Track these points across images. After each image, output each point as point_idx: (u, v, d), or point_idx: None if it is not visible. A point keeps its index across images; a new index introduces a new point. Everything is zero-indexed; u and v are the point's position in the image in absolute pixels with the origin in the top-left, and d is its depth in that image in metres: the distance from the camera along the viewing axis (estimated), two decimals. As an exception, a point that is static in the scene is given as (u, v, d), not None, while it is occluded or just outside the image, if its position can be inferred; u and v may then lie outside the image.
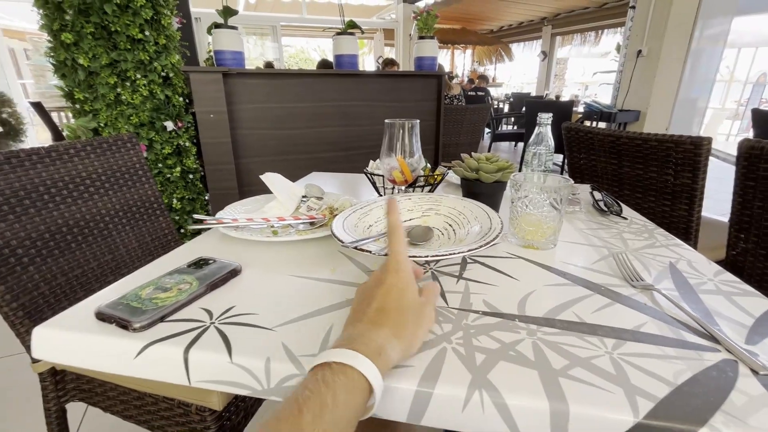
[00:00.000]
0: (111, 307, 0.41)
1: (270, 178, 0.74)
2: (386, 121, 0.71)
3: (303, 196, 0.77)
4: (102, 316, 0.40)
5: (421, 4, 7.38)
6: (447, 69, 10.43)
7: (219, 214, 0.69)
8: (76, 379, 0.80)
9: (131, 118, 1.71)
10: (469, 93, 5.81)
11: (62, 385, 0.81)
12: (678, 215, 1.10)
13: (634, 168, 1.15)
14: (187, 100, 1.95)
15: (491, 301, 0.45)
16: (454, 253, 0.46)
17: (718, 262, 1.14)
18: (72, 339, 0.39)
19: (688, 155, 0.99)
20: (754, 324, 0.41)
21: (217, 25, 1.94)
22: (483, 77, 7.75)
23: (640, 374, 0.33)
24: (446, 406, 0.32)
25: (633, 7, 3.34)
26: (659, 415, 0.29)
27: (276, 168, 2.23)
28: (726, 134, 7.13)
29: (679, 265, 0.54)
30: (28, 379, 1.36)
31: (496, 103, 7.54)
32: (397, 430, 0.56)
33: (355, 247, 0.47)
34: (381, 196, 0.86)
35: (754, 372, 0.33)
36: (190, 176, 1.97)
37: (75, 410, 1.04)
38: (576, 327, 0.40)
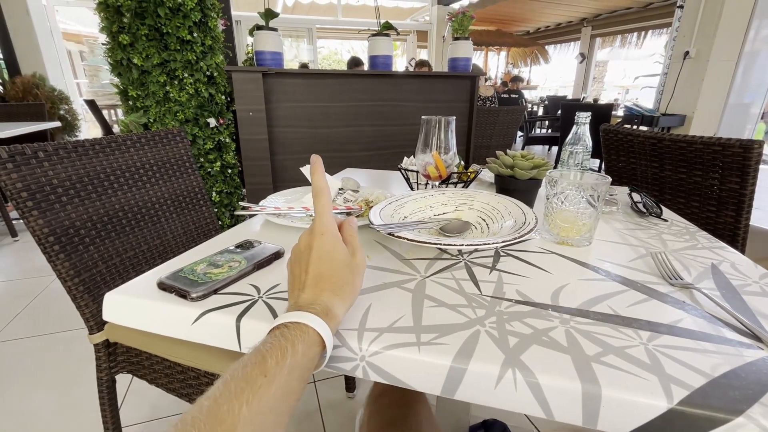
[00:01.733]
0: (171, 278, 0.45)
1: (309, 169, 0.78)
2: (423, 117, 0.73)
3: (340, 189, 0.80)
4: (163, 286, 0.44)
5: (456, 6, 7.34)
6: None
7: (262, 203, 0.73)
8: (126, 351, 0.87)
9: (178, 114, 1.82)
10: (502, 95, 5.72)
11: (114, 357, 0.88)
12: (724, 222, 1.05)
13: (676, 172, 1.11)
14: (228, 98, 2.04)
15: (524, 291, 0.46)
16: (488, 244, 0.48)
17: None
18: (137, 305, 0.43)
19: (737, 159, 0.94)
20: (801, 326, 0.39)
21: (258, 27, 2.03)
22: (517, 79, 7.59)
23: (675, 365, 0.33)
24: (479, 382, 0.33)
25: (681, 7, 3.19)
26: (694, 403, 0.29)
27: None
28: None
29: (722, 267, 0.53)
30: (83, 353, 1.47)
31: (529, 106, 7.37)
32: (420, 414, 0.58)
33: (390, 233, 0.50)
34: (414, 191, 0.88)
35: (799, 370, 0.33)
36: (229, 171, 2.07)
37: (122, 382, 1.13)
38: (610, 319, 0.40)
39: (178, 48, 1.74)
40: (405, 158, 0.95)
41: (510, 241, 0.49)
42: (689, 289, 0.46)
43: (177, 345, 0.75)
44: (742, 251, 1.04)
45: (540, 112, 7.36)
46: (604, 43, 8.13)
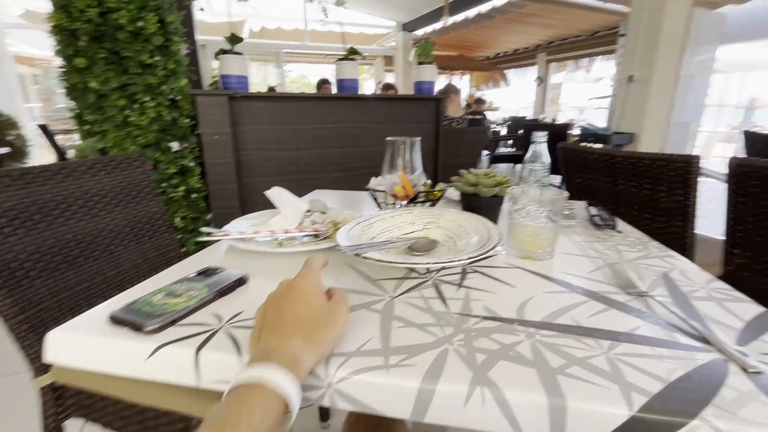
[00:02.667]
0: (124, 311, 0.42)
1: (275, 193, 0.77)
2: (387, 138, 0.74)
3: (307, 211, 0.79)
4: (116, 320, 0.41)
5: (420, 32, 7.65)
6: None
7: (226, 227, 0.71)
8: (77, 394, 0.80)
9: (138, 138, 1.76)
10: (467, 117, 5.94)
11: (62, 401, 0.81)
12: (673, 232, 1.12)
13: (628, 186, 1.18)
14: (192, 122, 2.00)
15: (491, 306, 0.46)
16: (455, 261, 0.48)
17: (715, 278, 1.15)
18: (86, 342, 0.40)
19: (680, 173, 1.02)
20: (744, 327, 0.42)
21: (223, 51, 2.02)
22: (480, 101, 7.93)
23: (634, 372, 0.34)
24: (448, 402, 0.33)
25: (623, 35, 3.47)
26: (653, 409, 0.30)
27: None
28: (721, 156, 7.24)
29: (673, 275, 0.56)
30: (25, 400, 1.34)
31: (493, 126, 7.69)
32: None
33: (357, 254, 0.49)
34: (382, 211, 0.89)
35: (744, 370, 0.35)
36: (194, 195, 2.00)
37: (70, 429, 1.03)
38: (573, 330, 0.41)
39: (139, 72, 1.70)
40: (372, 179, 0.96)
41: (476, 257, 0.50)
42: (644, 298, 0.48)
43: (133, 383, 0.70)
44: (691, 258, 1.11)
45: (503, 132, 7.69)
46: (558, 67, 8.68)
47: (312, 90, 7.81)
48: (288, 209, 0.75)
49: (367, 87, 9.93)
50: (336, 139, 2.37)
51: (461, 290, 0.50)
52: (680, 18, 3.18)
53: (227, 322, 0.43)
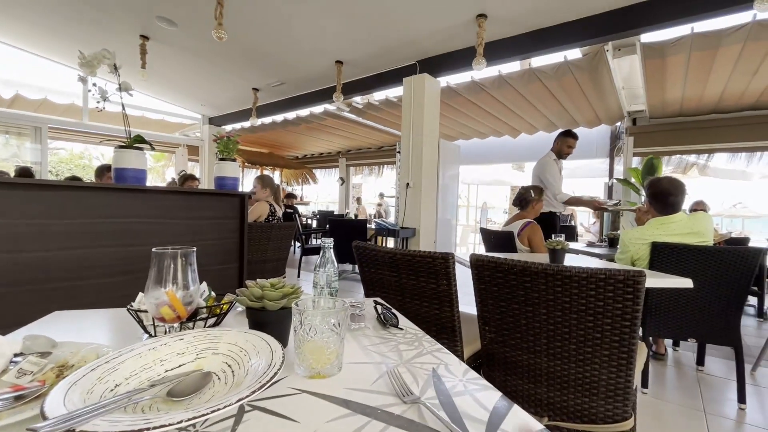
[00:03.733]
0: None
1: (-47, 336, 0.51)
2: (153, 250, 0.63)
3: (16, 355, 0.55)
4: None
5: (228, 127, 7.68)
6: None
7: None
8: None
9: None
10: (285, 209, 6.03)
11: None
12: (446, 316, 1.32)
13: (409, 279, 1.36)
14: None
15: (264, 459, 0.39)
16: (218, 407, 0.40)
17: (477, 352, 1.39)
18: None
19: (441, 267, 1.25)
20: (489, 417, 0.49)
21: None
22: (291, 195, 8.28)
23: None
24: None
25: (399, 152, 4.40)
26: None
27: (12, 303, 1.61)
28: (473, 243, 9.60)
29: (440, 370, 0.62)
30: None
31: (305, 219, 8.04)
32: None
33: (69, 430, 0.35)
34: (152, 336, 0.71)
35: (489, 469, 0.38)
36: None
37: None
38: (351, 467, 0.38)
39: None
40: (140, 294, 0.78)
41: (248, 395, 0.43)
42: (417, 404, 0.51)
43: None
44: (460, 337, 1.33)
45: (314, 225, 8.12)
46: (357, 170, 10.15)
47: (92, 171, 6.47)
48: (-25, 359, 0.50)
49: (169, 175, 8.99)
50: (111, 236, 1.93)
51: (231, 443, 0.41)
52: (433, 144, 4.29)
53: None
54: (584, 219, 8.71)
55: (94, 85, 1.94)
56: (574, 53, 3.71)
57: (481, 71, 3.56)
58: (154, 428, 0.36)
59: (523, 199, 2.76)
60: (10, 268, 1.65)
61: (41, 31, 4.64)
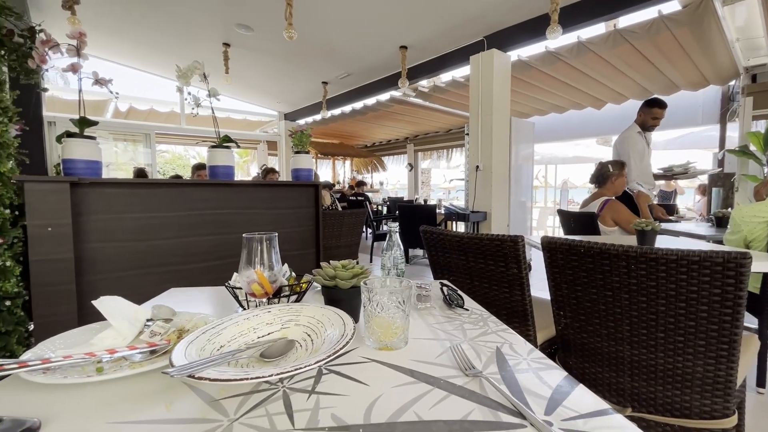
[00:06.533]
0: None
1: (105, 303, 0.66)
2: (244, 235, 0.72)
3: (148, 320, 0.69)
4: None
5: (301, 122, 8.15)
6: (329, 178, 11.27)
7: (24, 355, 0.56)
8: None
9: None
10: (350, 198, 6.29)
11: None
12: (516, 300, 1.30)
13: (477, 262, 1.35)
14: (16, 212, 1.66)
15: (339, 413, 0.45)
16: (300, 368, 0.47)
17: (552, 338, 1.34)
18: None
19: (511, 250, 1.22)
20: (552, 394, 0.49)
21: (69, 134, 1.80)
22: (361, 183, 8.54)
23: (461, 465, 0.36)
24: None
25: (468, 134, 4.28)
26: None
27: (134, 283, 1.95)
28: (552, 226, 9.01)
29: (504, 349, 0.64)
30: None
31: (375, 206, 8.26)
32: None
33: (190, 376, 0.44)
34: (245, 309, 0.83)
35: (548, 440, 0.40)
36: (8, 303, 1.58)
37: None
38: (414, 428, 0.42)
39: (-62, 155, 1.38)
40: (235, 274, 0.91)
41: (325, 359, 0.49)
42: (479, 378, 0.53)
43: None
44: (532, 322, 1.30)
45: (384, 211, 8.30)
46: (424, 156, 10.08)
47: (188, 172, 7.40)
48: (121, 322, 0.64)
49: (252, 169, 9.87)
50: (208, 226, 2.22)
51: (312, 398, 0.48)
52: (504, 123, 4.09)
53: (-16, 504, 0.32)
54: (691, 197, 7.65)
55: (189, 93, 2.20)
56: (671, 6, 3.23)
57: (557, 39, 3.28)
58: (252, 378, 0.44)
59: (600, 174, 2.51)
60: (134, 255, 1.99)
61: (143, 48, 5.35)
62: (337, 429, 0.42)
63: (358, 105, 6.67)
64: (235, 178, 2.33)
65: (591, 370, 1.15)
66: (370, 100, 6.40)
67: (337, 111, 7.07)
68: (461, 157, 8.64)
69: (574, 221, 2.61)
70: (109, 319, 0.65)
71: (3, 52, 1.71)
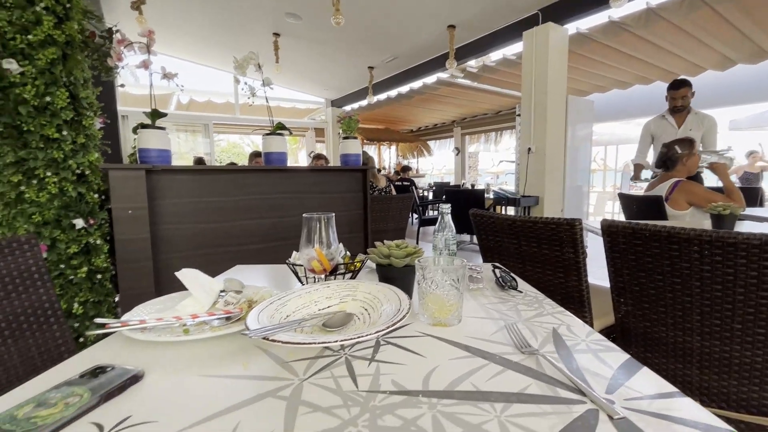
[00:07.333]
0: (-25, 434, 0.36)
1: (186, 275, 0.73)
2: (304, 215, 0.77)
3: (221, 291, 0.76)
4: (-38, 447, 0.35)
5: (348, 108, 8.24)
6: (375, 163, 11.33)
7: (125, 317, 0.65)
8: None
9: (33, 216, 1.58)
10: (396, 183, 6.31)
11: None
12: (572, 286, 1.26)
13: (530, 246, 1.32)
14: (103, 197, 1.87)
15: (399, 380, 0.47)
16: (363, 336, 0.50)
17: (610, 326, 1.29)
18: None
19: (568, 234, 1.18)
20: (613, 374, 0.48)
21: (143, 126, 1.98)
22: (407, 168, 8.52)
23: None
24: (349, 492, 0.32)
25: (519, 115, 4.09)
26: (534, 468, 0.33)
27: (201, 262, 2.13)
28: (611, 212, 8.43)
29: (560, 330, 0.63)
30: None
31: (421, 191, 8.22)
32: None
33: (265, 338, 0.49)
34: (303, 285, 0.88)
35: (610, 417, 0.39)
36: (98, 276, 1.80)
37: None
38: (472, 396, 0.44)
39: (41, 146, 1.58)
40: (294, 252, 0.96)
41: (385, 330, 0.52)
42: (535, 355, 0.54)
43: None
44: (589, 308, 1.25)
45: (430, 196, 8.24)
46: (472, 139, 9.80)
47: (246, 158, 7.80)
48: (199, 291, 0.72)
49: (301, 156, 10.19)
50: (264, 210, 2.35)
51: (372, 365, 0.51)
52: (560, 102, 3.86)
53: (109, 431, 0.38)
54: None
55: (245, 83, 2.32)
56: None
57: (622, 8, 3.01)
58: (319, 343, 0.48)
59: (666, 158, 2.26)
60: (199, 236, 2.16)
61: (199, 43, 5.66)
62: (398, 393, 0.44)
63: (404, 89, 6.61)
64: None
65: (654, 361, 1.09)
66: (416, 84, 6.31)
67: (382, 96, 7.06)
68: (511, 139, 8.30)
69: (637, 206, 2.44)
70: (189, 288, 0.73)
71: (87, 53, 1.89)
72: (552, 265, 1.28)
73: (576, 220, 1.16)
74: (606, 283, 1.19)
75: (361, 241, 2.73)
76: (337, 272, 0.88)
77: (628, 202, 2.55)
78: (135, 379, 0.47)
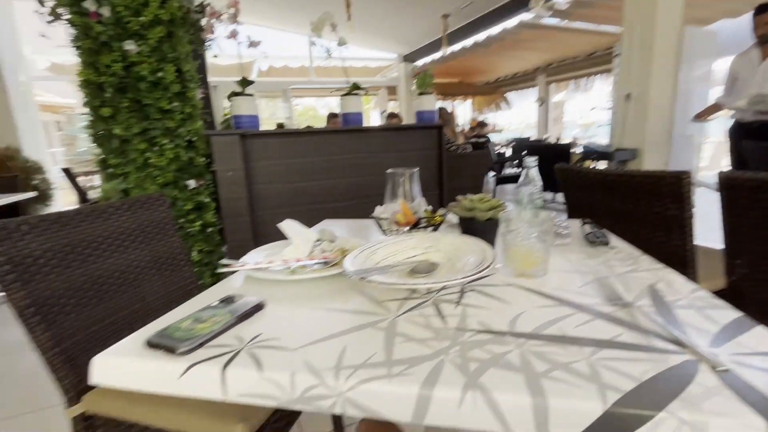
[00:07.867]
0: (158, 336, 0.48)
1: (287, 225, 0.83)
2: (388, 171, 0.81)
3: (317, 240, 0.85)
4: (151, 344, 0.47)
5: (420, 62, 7.94)
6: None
7: (242, 259, 0.77)
8: (105, 423, 0.85)
9: (157, 178, 1.87)
10: (470, 140, 6.07)
11: (92, 430, 0.85)
12: (674, 246, 1.14)
13: (625, 203, 1.21)
14: (208, 160, 2.12)
15: (485, 321, 0.51)
16: (452, 280, 0.53)
17: (719, 291, 1.17)
18: (126, 364, 0.46)
19: (673, 188, 1.06)
20: (719, 331, 0.46)
21: (235, 94, 2.16)
22: (482, 124, 8.09)
23: (611, 374, 0.38)
24: (444, 405, 0.37)
25: (618, 55, 3.58)
26: (624, 404, 0.34)
27: (290, 218, 2.35)
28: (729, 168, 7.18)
29: (658, 286, 0.59)
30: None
31: (498, 147, 7.80)
32: None
33: (362, 278, 0.55)
34: (387, 237, 0.94)
35: (713, 368, 0.38)
36: (209, 230, 2.09)
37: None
38: (559, 339, 0.45)
39: (158, 117, 1.83)
40: (377, 207, 1.02)
41: (471, 276, 0.55)
42: (629, 308, 0.52)
43: (160, 408, 0.74)
44: (694, 271, 1.13)
45: (508, 153, 7.78)
46: (559, 87, 8.86)
47: (321, 121, 8.10)
48: (299, 240, 0.81)
49: (373, 115, 10.23)
50: (343, 170, 2.46)
51: (459, 308, 0.55)
52: (672, 36, 3.28)
53: (248, 343, 0.48)
54: None
55: (321, 45, 2.36)
56: None
57: None
58: (411, 285, 0.52)
59: None
60: (287, 195, 2.36)
61: (274, 8, 5.80)
62: (485, 332, 0.48)
63: (481, 37, 6.13)
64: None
65: (772, 329, 0.97)
66: (495, 29, 5.81)
67: (457, 46, 6.65)
68: (603, 86, 7.33)
69: (764, 155, 2.06)
70: (290, 237, 0.82)
71: (186, 28, 2.07)
72: (651, 224, 1.17)
73: (683, 173, 1.03)
74: (710, 245, 1.06)
75: (436, 199, 2.74)
76: (419, 226, 0.92)
77: (751, 153, 2.16)
78: (259, 307, 0.57)
